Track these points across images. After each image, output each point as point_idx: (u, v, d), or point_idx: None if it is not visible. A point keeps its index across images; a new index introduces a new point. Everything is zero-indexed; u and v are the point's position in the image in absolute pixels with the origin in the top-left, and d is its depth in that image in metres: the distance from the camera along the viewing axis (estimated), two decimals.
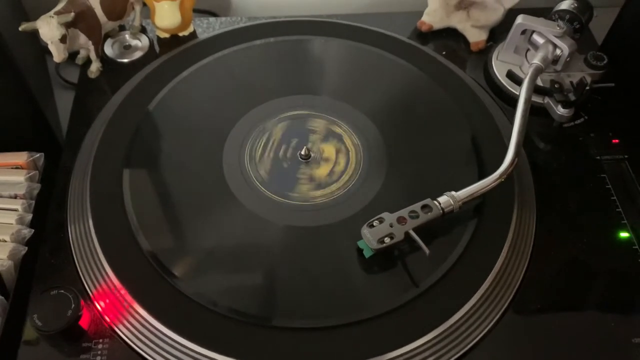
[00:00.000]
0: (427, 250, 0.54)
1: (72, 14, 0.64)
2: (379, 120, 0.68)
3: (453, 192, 0.57)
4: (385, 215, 0.56)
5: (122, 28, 0.77)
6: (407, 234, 0.55)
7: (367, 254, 0.55)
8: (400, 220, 0.55)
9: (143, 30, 0.77)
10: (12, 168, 0.64)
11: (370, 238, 0.54)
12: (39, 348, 0.53)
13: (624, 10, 0.77)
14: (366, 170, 0.63)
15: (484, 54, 0.76)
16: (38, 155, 0.65)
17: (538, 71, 0.66)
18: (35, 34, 0.64)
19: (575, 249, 0.60)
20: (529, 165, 0.65)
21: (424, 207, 0.56)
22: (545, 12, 0.72)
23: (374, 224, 0.55)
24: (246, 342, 0.52)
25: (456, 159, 0.65)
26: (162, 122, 0.67)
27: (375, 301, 0.54)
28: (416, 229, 0.55)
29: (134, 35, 0.76)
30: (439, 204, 0.56)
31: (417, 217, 0.55)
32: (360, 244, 0.56)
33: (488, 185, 0.57)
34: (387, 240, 0.54)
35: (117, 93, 0.70)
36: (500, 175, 0.58)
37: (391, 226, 0.55)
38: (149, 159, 0.64)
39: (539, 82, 0.68)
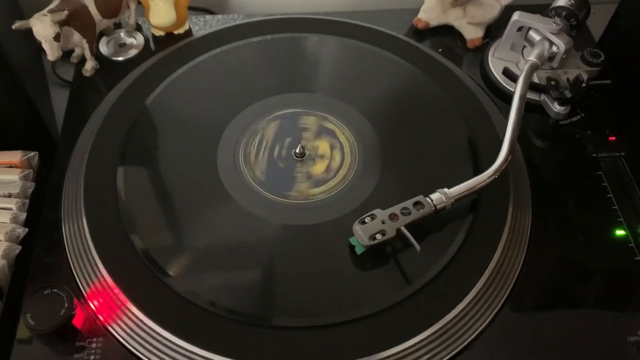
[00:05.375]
0: (418, 247, 0.53)
1: (66, 12, 0.64)
2: (375, 118, 0.67)
3: (446, 189, 0.57)
4: (377, 211, 0.56)
5: (117, 26, 0.77)
6: (398, 230, 0.54)
7: (359, 250, 0.55)
8: (392, 217, 0.55)
9: (138, 28, 0.77)
10: (6, 167, 0.63)
11: (362, 234, 0.54)
12: (33, 347, 0.53)
13: (621, 6, 0.76)
14: (361, 168, 0.63)
15: (481, 51, 0.76)
16: (32, 154, 0.65)
17: (534, 68, 0.65)
18: (29, 32, 0.64)
19: (571, 246, 0.60)
20: (525, 163, 0.65)
21: (416, 204, 0.56)
22: (542, 9, 0.72)
23: (366, 220, 0.55)
24: (240, 341, 0.52)
25: (452, 156, 0.65)
26: (157, 121, 0.67)
27: (369, 299, 0.54)
28: (409, 226, 0.55)
29: (129, 33, 0.76)
30: (431, 200, 0.56)
31: (409, 213, 0.55)
32: (352, 240, 0.56)
33: (481, 182, 0.57)
34: (378, 236, 0.54)
35: (111, 91, 0.70)
36: (494, 172, 0.57)
37: (383, 223, 0.55)
38: (143, 157, 0.64)
39: (535, 79, 0.68)
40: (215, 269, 0.57)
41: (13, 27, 0.63)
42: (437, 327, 0.53)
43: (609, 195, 0.63)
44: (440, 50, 0.76)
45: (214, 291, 0.54)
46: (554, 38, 0.67)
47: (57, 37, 0.64)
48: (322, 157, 0.64)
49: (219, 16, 0.81)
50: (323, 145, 0.65)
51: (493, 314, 0.55)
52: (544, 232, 0.60)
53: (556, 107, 0.67)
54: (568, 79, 0.68)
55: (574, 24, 0.70)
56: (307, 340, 0.52)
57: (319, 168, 0.63)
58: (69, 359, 0.52)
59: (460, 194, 0.57)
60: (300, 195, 0.61)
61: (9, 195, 0.62)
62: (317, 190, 0.62)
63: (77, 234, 0.58)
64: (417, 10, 0.78)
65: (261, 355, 0.51)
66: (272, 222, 0.59)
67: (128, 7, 0.74)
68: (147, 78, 0.70)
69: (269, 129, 0.66)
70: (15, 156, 0.64)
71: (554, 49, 0.68)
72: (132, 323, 0.53)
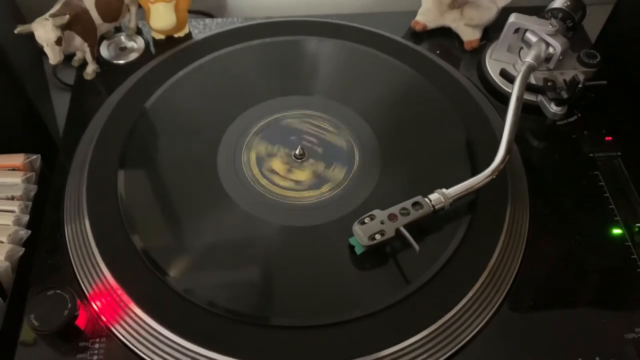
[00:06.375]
0: (417, 247, 0.54)
1: (67, 16, 0.64)
2: (373, 120, 0.68)
3: (444, 190, 0.57)
4: (376, 212, 0.56)
5: (118, 30, 0.77)
6: (397, 230, 0.55)
7: (359, 250, 0.56)
8: (391, 217, 0.56)
9: (139, 31, 0.77)
10: (8, 170, 0.64)
11: (361, 235, 0.55)
12: (37, 348, 0.53)
13: (617, 7, 0.77)
14: (360, 169, 0.64)
15: (478, 52, 0.76)
16: (35, 156, 0.65)
17: (530, 69, 0.66)
18: (31, 36, 0.64)
19: (568, 245, 0.60)
20: (523, 163, 0.66)
21: (414, 204, 0.56)
22: (538, 11, 0.72)
23: (365, 220, 0.56)
24: (241, 341, 0.52)
25: (450, 157, 0.65)
26: (157, 123, 0.67)
27: (368, 299, 0.55)
28: (407, 226, 0.55)
29: (130, 37, 0.77)
30: (430, 201, 0.57)
31: (408, 214, 0.56)
32: (352, 240, 0.56)
33: (479, 183, 0.58)
34: (377, 237, 0.55)
35: (112, 94, 0.70)
36: (492, 173, 0.58)
37: (382, 223, 0.55)
38: (144, 159, 0.64)
39: (532, 80, 0.68)
40: (217, 270, 0.57)
41: (15, 31, 0.64)
42: (435, 326, 0.53)
43: (605, 195, 0.64)
44: (438, 52, 0.77)
45: (216, 291, 0.55)
46: (550, 39, 0.68)
47: (58, 41, 0.65)
48: (321, 159, 0.65)
49: (219, 19, 0.81)
50: (322, 147, 0.66)
51: (491, 313, 0.55)
52: (541, 231, 0.61)
53: (553, 108, 0.67)
54: (564, 80, 0.68)
55: (570, 25, 0.71)
56: (307, 340, 0.52)
57: (318, 170, 0.64)
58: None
59: (458, 194, 0.57)
60: (300, 196, 0.62)
61: (12, 198, 0.62)
62: (317, 191, 0.62)
63: (80, 235, 0.59)
64: (414, 13, 0.79)
65: (262, 354, 0.52)
66: (273, 223, 0.60)
67: (129, 10, 0.75)
68: (147, 81, 0.71)
69: (268, 131, 0.67)
70: (17, 159, 0.64)
71: (551, 50, 0.68)
72: (134, 323, 0.53)
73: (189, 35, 0.77)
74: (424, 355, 0.52)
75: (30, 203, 0.63)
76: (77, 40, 0.68)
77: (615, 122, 0.70)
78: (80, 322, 0.53)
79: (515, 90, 0.63)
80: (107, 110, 0.68)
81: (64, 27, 0.65)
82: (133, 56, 0.75)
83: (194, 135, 0.66)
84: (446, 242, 0.58)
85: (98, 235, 0.58)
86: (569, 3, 0.71)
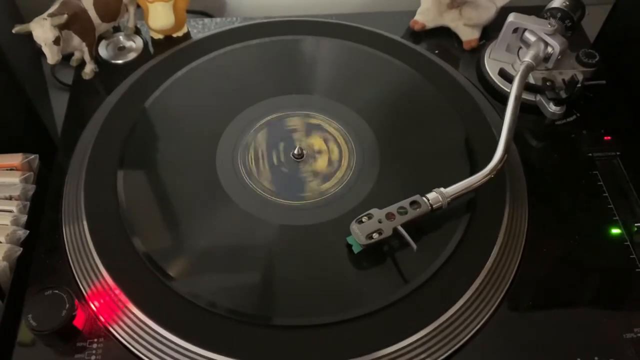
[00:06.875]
0: (414, 246, 0.54)
1: (65, 15, 0.64)
2: (373, 119, 0.68)
3: (442, 189, 0.57)
4: (374, 211, 0.56)
5: (116, 29, 0.77)
6: (395, 229, 0.55)
7: (356, 249, 0.56)
8: (389, 216, 0.56)
9: (137, 31, 0.77)
10: (6, 170, 0.64)
11: (359, 234, 0.55)
12: (34, 348, 0.53)
13: (616, 7, 0.77)
14: (359, 169, 0.64)
15: (477, 52, 0.76)
16: (33, 156, 0.65)
17: (529, 69, 0.66)
18: (29, 36, 0.64)
19: (567, 245, 0.60)
20: (522, 163, 0.65)
21: (412, 203, 0.56)
22: (537, 10, 0.72)
23: (363, 220, 0.56)
24: (239, 340, 0.52)
25: (449, 156, 0.65)
26: (156, 123, 0.67)
27: (367, 298, 0.54)
28: (405, 225, 0.55)
29: (128, 37, 0.76)
30: (428, 200, 0.57)
31: (406, 213, 0.56)
32: (350, 239, 0.56)
33: (477, 182, 0.58)
34: (375, 236, 0.55)
35: (111, 94, 0.70)
36: (490, 172, 0.58)
37: (380, 222, 0.55)
38: (143, 159, 0.64)
39: (531, 80, 0.68)
40: (215, 270, 0.57)
41: (13, 31, 0.64)
42: (434, 325, 0.53)
43: (604, 195, 0.64)
44: (436, 51, 0.77)
45: (214, 291, 0.55)
46: (548, 39, 0.68)
47: (57, 41, 0.64)
48: (319, 159, 0.65)
49: (217, 19, 0.81)
50: (321, 147, 0.66)
51: (490, 312, 0.55)
52: (540, 231, 0.61)
53: (552, 108, 0.67)
54: (563, 80, 0.68)
55: (569, 25, 0.71)
56: (306, 339, 0.52)
57: (317, 169, 0.64)
58: None
59: (456, 193, 0.57)
60: (298, 195, 0.62)
61: (10, 198, 0.62)
62: (315, 190, 0.62)
63: (78, 235, 0.59)
64: (413, 13, 0.79)
65: (261, 354, 0.52)
66: (271, 223, 0.60)
67: (127, 10, 0.75)
68: (146, 81, 0.70)
69: (267, 130, 0.67)
70: (16, 159, 0.64)
71: (549, 49, 0.68)
72: (132, 323, 0.53)
73: (187, 35, 0.77)
74: (423, 355, 0.52)
75: (28, 203, 0.63)
76: (76, 40, 0.68)
77: (614, 122, 0.70)
78: (78, 322, 0.53)
79: (514, 90, 0.63)
80: (105, 110, 0.68)
81: (62, 27, 0.65)
82: (132, 56, 0.75)
83: (193, 135, 0.66)
84: (444, 242, 0.58)
85: (96, 236, 0.58)
86: (567, 3, 0.71)
